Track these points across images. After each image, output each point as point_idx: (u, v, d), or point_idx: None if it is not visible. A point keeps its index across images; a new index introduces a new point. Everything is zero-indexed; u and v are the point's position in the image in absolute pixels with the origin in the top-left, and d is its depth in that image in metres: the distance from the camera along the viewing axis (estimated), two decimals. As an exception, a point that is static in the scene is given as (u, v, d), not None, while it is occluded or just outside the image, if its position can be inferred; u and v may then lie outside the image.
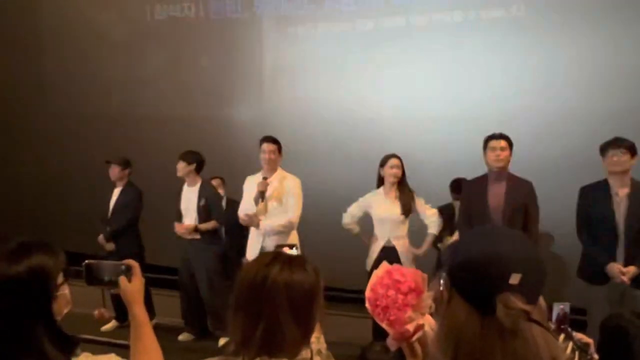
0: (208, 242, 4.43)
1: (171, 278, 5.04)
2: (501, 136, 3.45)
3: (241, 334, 1.10)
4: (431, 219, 3.91)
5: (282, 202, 3.92)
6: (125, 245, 4.63)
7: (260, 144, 3.99)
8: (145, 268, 4.46)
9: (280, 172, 4.02)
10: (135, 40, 5.96)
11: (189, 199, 4.44)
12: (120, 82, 6.01)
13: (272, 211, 3.93)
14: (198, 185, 4.44)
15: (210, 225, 4.41)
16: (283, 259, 1.14)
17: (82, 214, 5.13)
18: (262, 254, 1.20)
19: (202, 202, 4.38)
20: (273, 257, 1.14)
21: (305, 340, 1.13)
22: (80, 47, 6.12)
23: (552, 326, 1.92)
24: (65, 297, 1.19)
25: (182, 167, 4.39)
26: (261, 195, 3.89)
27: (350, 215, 4.02)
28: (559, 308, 2.02)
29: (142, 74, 5.91)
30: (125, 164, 4.70)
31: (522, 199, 3.41)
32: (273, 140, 3.99)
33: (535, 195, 3.49)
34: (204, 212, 4.38)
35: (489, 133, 3.57)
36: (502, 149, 3.41)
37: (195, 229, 4.38)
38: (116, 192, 4.71)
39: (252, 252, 4.02)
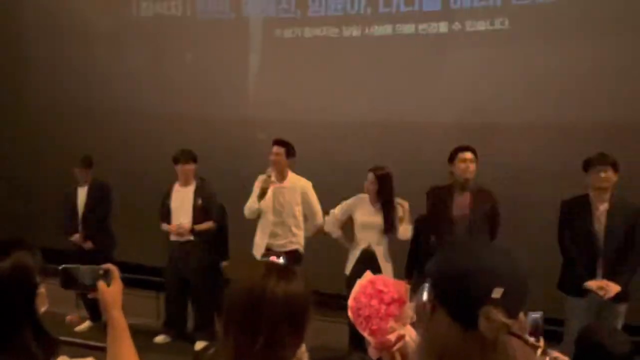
0: (203, 243, 4.36)
1: (145, 278, 4.97)
2: (469, 148, 3.56)
3: (237, 347, 1.06)
4: (400, 231, 3.89)
5: (298, 206, 4.03)
6: (101, 242, 4.63)
7: (272, 146, 4.04)
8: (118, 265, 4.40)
9: (291, 176, 4.07)
10: (120, 35, 5.87)
11: (183, 199, 4.35)
12: (103, 77, 5.91)
13: (283, 210, 4.00)
14: (193, 185, 4.38)
15: (207, 226, 4.36)
16: (276, 270, 1.12)
17: (58, 209, 5.01)
18: (252, 265, 1.18)
19: (200, 202, 4.32)
20: (266, 269, 1.12)
21: (297, 349, 1.12)
22: (63, 40, 6.01)
23: (528, 337, 1.94)
24: (43, 296, 1.18)
25: (193, 169, 4.35)
26: (263, 192, 3.91)
27: (334, 219, 4.03)
28: (532, 318, 2.05)
29: (125, 70, 5.83)
30: (90, 164, 4.66)
31: (487, 208, 3.56)
32: (281, 143, 4.03)
33: (498, 202, 3.64)
34: (201, 213, 4.32)
35: (474, 142, 3.65)
36: (470, 160, 3.52)
37: (192, 230, 4.30)
38: (81, 190, 4.66)
39: (258, 250, 4.05)
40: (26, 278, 1.11)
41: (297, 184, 4.05)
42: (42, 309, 1.17)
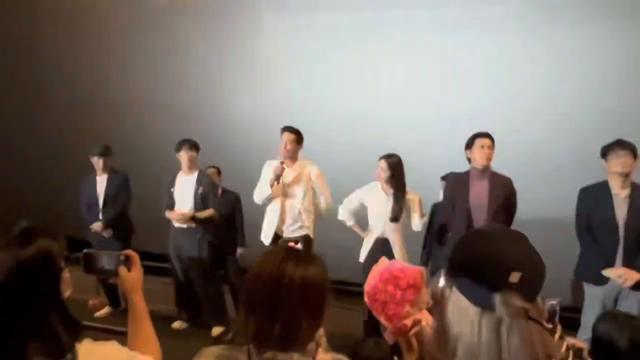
0: (203, 231, 4.43)
1: (163, 265, 5.05)
2: (487, 135, 3.52)
3: (256, 331, 1.09)
4: (416, 223, 3.94)
5: (307, 191, 4.05)
6: (120, 231, 4.72)
7: (281, 133, 4.06)
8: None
9: (300, 161, 4.10)
10: (134, 26, 5.90)
11: (185, 187, 4.43)
12: (118, 67, 5.96)
13: (293, 195, 4.04)
14: (195, 173, 4.44)
15: (207, 213, 4.41)
16: (295, 254, 1.14)
17: (76, 198, 5.09)
18: (270, 250, 1.19)
19: (200, 190, 4.38)
20: (285, 254, 1.13)
21: (315, 333, 1.14)
22: (78, 31, 6.05)
23: (545, 323, 1.95)
24: (67, 281, 1.20)
25: (195, 157, 4.40)
26: (277, 179, 3.95)
27: (347, 208, 4.05)
28: (549, 304, 2.04)
29: (140, 60, 5.86)
30: (109, 153, 4.71)
31: (504, 195, 3.53)
32: (292, 130, 4.06)
33: (515, 191, 3.61)
34: (201, 201, 4.38)
35: (487, 129, 3.60)
36: (489, 147, 3.49)
37: (193, 218, 4.37)
38: (100, 179, 4.72)
39: (267, 236, 4.10)
40: (51, 263, 1.14)
41: (306, 169, 4.09)
42: (67, 293, 1.20)
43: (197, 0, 5.66)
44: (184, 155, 4.38)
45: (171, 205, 4.45)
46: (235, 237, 4.75)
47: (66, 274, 1.19)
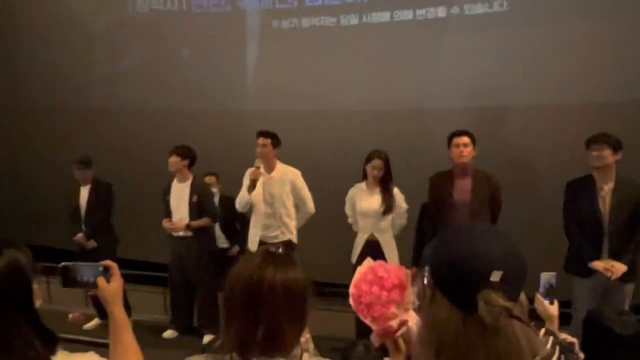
0: (201, 239, 4.39)
1: (153, 275, 5.00)
2: (464, 133, 3.54)
3: (239, 337, 1.07)
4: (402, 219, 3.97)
5: (288, 197, 4.02)
6: (104, 242, 4.64)
7: (257, 138, 4.02)
8: (121, 263, 4.42)
9: (280, 166, 4.07)
10: (117, 33, 5.86)
11: (180, 195, 4.37)
12: (101, 75, 5.92)
13: (275, 201, 4.00)
14: (190, 181, 4.38)
15: (203, 222, 4.37)
16: (273, 259, 1.12)
17: (61, 209, 5.03)
18: (249, 255, 1.18)
19: (195, 199, 4.33)
20: (263, 258, 1.12)
21: (299, 337, 1.12)
22: (59, 38, 6.00)
23: (542, 299, 1.94)
24: (37, 292, 1.18)
25: (175, 162, 4.30)
26: (253, 184, 3.90)
27: (352, 220, 4.03)
28: (545, 279, 2.01)
29: (123, 67, 5.82)
30: (90, 164, 4.63)
31: (488, 192, 3.54)
32: (266, 134, 4.01)
33: (500, 187, 3.63)
34: (197, 209, 4.34)
35: (472, 129, 3.62)
36: (465, 145, 3.54)
37: (188, 227, 4.32)
38: (84, 190, 4.66)
39: (253, 243, 4.08)
40: (22, 276, 1.12)
41: (286, 174, 4.05)
42: (37, 304, 1.17)
43: (181, 6, 5.63)
44: (169, 162, 4.33)
45: (168, 214, 4.40)
46: (238, 242, 4.73)
47: (35, 285, 1.16)
